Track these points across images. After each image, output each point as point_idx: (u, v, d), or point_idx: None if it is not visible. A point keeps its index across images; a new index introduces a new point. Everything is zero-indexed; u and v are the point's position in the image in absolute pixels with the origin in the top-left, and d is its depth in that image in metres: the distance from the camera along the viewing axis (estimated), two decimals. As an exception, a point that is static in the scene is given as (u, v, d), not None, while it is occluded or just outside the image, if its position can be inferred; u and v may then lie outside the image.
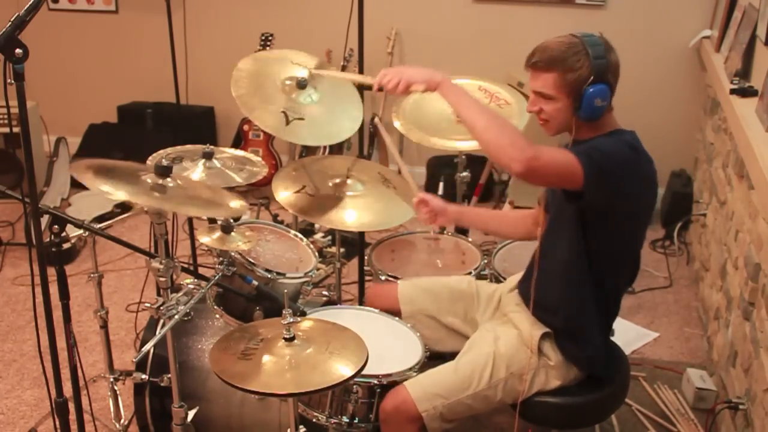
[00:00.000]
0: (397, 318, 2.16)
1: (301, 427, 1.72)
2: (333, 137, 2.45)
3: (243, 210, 1.90)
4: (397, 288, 2.21)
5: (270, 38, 4.42)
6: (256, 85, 2.41)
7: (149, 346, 1.73)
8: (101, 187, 1.64)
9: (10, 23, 1.42)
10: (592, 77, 1.68)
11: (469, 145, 2.68)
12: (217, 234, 1.94)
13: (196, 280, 2.19)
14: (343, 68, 4.45)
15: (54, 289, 1.76)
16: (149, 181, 1.76)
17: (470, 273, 2.46)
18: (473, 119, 1.70)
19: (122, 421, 2.29)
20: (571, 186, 1.66)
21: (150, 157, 2.26)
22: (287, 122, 2.29)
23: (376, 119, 2.55)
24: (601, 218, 1.74)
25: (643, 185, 1.76)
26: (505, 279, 2.36)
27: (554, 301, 1.89)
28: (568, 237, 1.81)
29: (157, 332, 1.75)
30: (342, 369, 1.58)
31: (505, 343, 1.91)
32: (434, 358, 2.01)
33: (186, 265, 2.18)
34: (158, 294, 1.83)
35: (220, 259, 2.06)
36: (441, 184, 3.14)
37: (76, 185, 4.15)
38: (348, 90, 2.51)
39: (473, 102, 1.73)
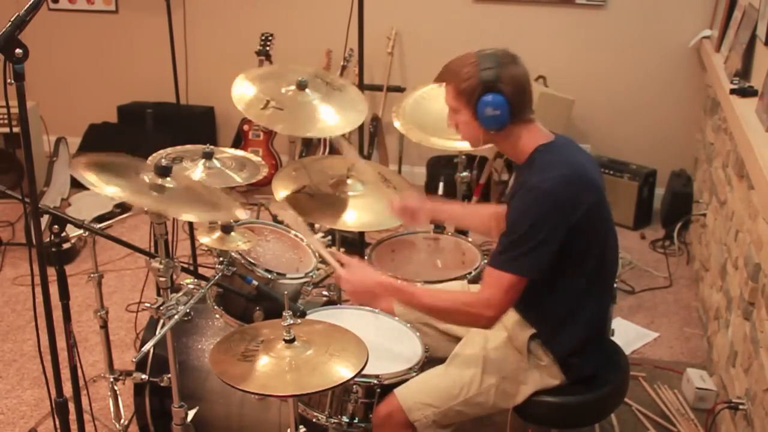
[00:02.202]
0: (396, 318, 2.16)
1: (301, 427, 1.72)
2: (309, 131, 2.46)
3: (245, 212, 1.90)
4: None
5: (270, 38, 4.43)
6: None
7: (149, 346, 1.73)
8: (105, 189, 1.64)
9: (10, 23, 1.42)
10: (480, 87, 1.74)
11: (469, 145, 2.68)
12: (217, 234, 1.94)
13: (196, 280, 2.19)
14: (343, 68, 4.46)
15: (54, 289, 1.76)
16: (148, 180, 1.75)
17: (470, 273, 2.46)
18: (428, 313, 1.92)
19: (122, 421, 2.29)
20: None
21: (150, 157, 2.26)
22: (264, 106, 2.36)
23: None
24: None
25: (577, 207, 1.72)
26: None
27: (529, 304, 1.87)
28: None
29: (157, 332, 1.75)
30: (342, 371, 1.58)
31: (495, 346, 1.90)
32: (434, 363, 1.99)
33: (186, 265, 2.18)
34: (158, 294, 1.83)
35: (220, 259, 2.06)
36: (441, 184, 3.13)
37: (76, 185, 4.15)
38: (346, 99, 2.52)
39: (417, 299, 1.86)
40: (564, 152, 1.80)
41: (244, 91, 2.43)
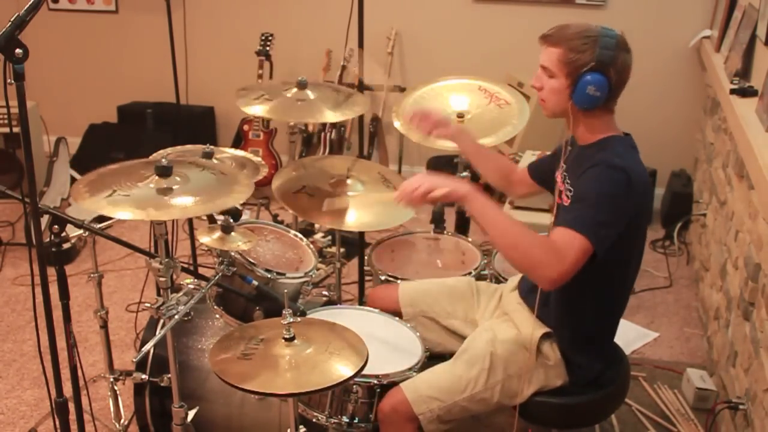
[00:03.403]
0: (397, 318, 2.16)
1: (301, 427, 1.72)
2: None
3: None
4: (397, 290, 2.22)
5: (270, 38, 4.43)
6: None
7: (149, 346, 1.73)
8: (116, 213, 1.63)
9: (10, 23, 1.42)
10: (592, 64, 1.70)
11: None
12: (217, 234, 1.94)
13: (196, 280, 2.19)
14: (343, 68, 4.46)
15: (54, 289, 1.76)
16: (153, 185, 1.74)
17: (470, 273, 2.46)
18: (497, 236, 1.70)
19: (122, 421, 2.29)
20: None
21: (150, 157, 2.26)
22: (257, 98, 2.41)
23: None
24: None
25: (641, 207, 1.75)
26: (505, 279, 2.36)
27: (554, 311, 1.88)
28: None
29: (157, 332, 1.75)
30: (342, 369, 1.58)
31: (503, 343, 1.90)
32: (435, 359, 2.00)
33: (186, 265, 2.18)
34: (158, 294, 1.83)
35: (220, 259, 2.06)
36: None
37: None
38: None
39: (498, 218, 1.71)
40: (637, 155, 1.80)
41: (245, 92, 2.47)
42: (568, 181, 1.81)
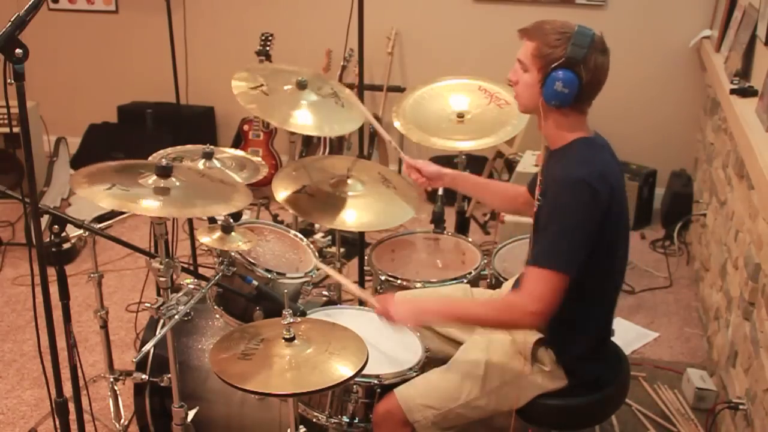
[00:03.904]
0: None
1: (301, 427, 1.72)
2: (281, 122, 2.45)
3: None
4: (393, 297, 2.21)
5: (270, 38, 4.42)
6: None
7: (149, 346, 1.73)
8: (128, 207, 1.65)
9: (10, 23, 1.42)
10: (563, 60, 1.70)
11: (469, 145, 2.68)
12: (217, 234, 1.94)
13: (196, 280, 2.19)
14: (343, 68, 4.46)
15: (54, 289, 1.76)
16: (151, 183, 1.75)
17: (470, 273, 2.45)
18: (471, 324, 1.91)
19: (122, 421, 2.29)
20: None
21: (150, 157, 2.26)
22: (255, 87, 2.37)
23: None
24: None
25: (613, 206, 1.72)
26: (505, 279, 2.36)
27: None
28: None
29: (157, 332, 1.75)
30: (342, 369, 1.58)
31: (498, 350, 1.89)
32: (432, 364, 1.99)
33: (186, 265, 2.18)
34: (158, 294, 1.83)
35: (220, 259, 2.06)
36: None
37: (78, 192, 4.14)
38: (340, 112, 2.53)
39: (456, 312, 1.84)
40: (604, 155, 1.79)
41: (248, 73, 2.44)
42: (540, 198, 1.81)
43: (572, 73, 1.70)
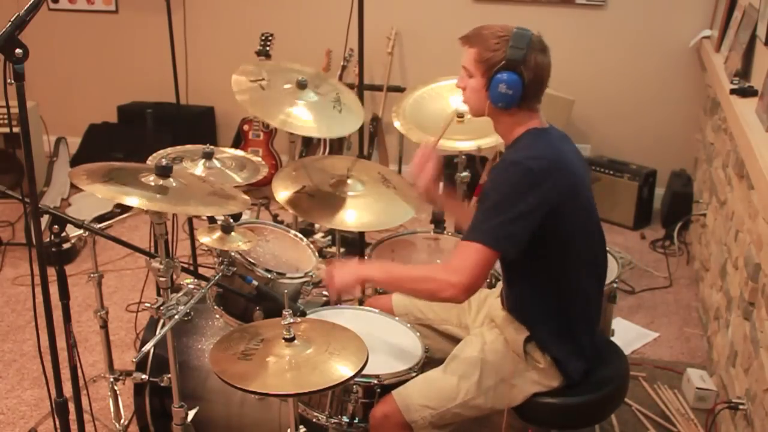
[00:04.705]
0: (396, 318, 2.16)
1: (301, 427, 1.72)
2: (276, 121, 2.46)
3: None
4: (391, 299, 2.22)
5: (270, 38, 4.42)
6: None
7: (149, 346, 1.73)
8: (124, 199, 1.66)
9: (10, 23, 1.42)
10: (503, 62, 1.73)
11: (469, 145, 2.68)
12: (217, 234, 1.94)
13: (196, 280, 2.19)
14: (343, 68, 4.46)
15: (54, 289, 1.76)
16: (152, 182, 1.76)
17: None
18: (399, 289, 2.01)
19: (122, 421, 2.29)
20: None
21: (150, 157, 2.26)
22: (254, 80, 2.38)
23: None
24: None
25: (561, 188, 1.72)
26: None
27: (520, 306, 1.88)
28: None
29: (157, 332, 1.75)
30: (342, 369, 1.58)
31: (492, 349, 1.89)
32: (435, 364, 1.99)
33: (186, 265, 2.18)
34: (158, 294, 1.83)
35: (220, 259, 2.06)
36: (441, 184, 3.13)
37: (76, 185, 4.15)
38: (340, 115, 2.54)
39: (393, 275, 1.87)
40: (552, 141, 1.80)
41: (254, 67, 2.44)
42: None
43: (514, 74, 1.73)
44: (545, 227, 1.70)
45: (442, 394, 1.84)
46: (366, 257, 2.59)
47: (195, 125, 4.76)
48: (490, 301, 2.11)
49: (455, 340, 2.07)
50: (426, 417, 1.82)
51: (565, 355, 1.85)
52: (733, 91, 2.84)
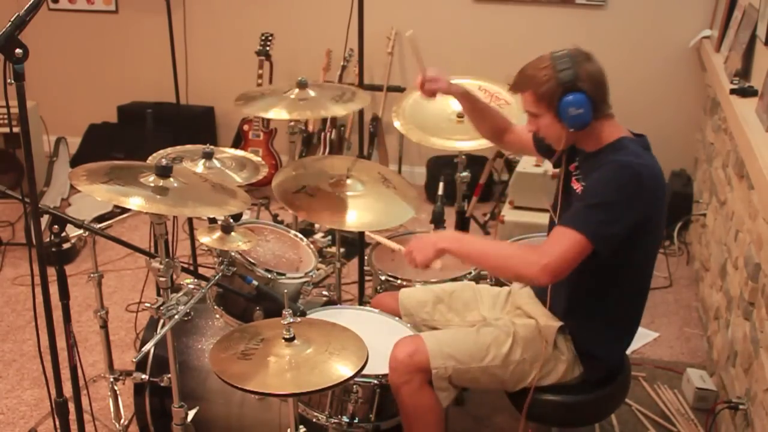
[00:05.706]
0: (397, 318, 2.16)
1: (301, 427, 1.72)
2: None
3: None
4: (398, 298, 2.22)
5: (270, 38, 4.43)
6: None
7: (149, 346, 1.73)
8: (124, 201, 1.66)
9: (10, 23, 1.42)
10: (561, 88, 1.74)
11: (469, 145, 2.68)
12: (217, 234, 1.94)
13: (196, 280, 2.19)
14: (343, 68, 4.46)
15: (54, 289, 1.76)
16: (152, 183, 1.76)
17: (470, 273, 2.46)
18: (483, 264, 1.94)
19: (122, 421, 2.29)
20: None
21: (150, 157, 2.26)
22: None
23: None
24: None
25: (654, 208, 1.76)
26: (505, 279, 2.36)
27: (564, 306, 1.91)
28: None
29: (157, 332, 1.75)
30: (342, 369, 1.58)
31: (524, 328, 1.93)
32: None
33: (186, 265, 2.18)
34: (158, 294, 1.83)
35: (220, 259, 2.06)
36: (441, 184, 3.14)
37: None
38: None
39: (474, 247, 1.83)
40: (649, 153, 1.82)
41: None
42: (583, 183, 1.84)
43: (576, 93, 1.73)
44: (634, 236, 1.72)
45: (470, 351, 1.87)
46: (366, 257, 2.59)
47: (195, 125, 4.76)
48: (508, 292, 2.16)
49: None
50: (449, 368, 1.84)
51: (603, 354, 1.92)
52: (733, 91, 2.84)
